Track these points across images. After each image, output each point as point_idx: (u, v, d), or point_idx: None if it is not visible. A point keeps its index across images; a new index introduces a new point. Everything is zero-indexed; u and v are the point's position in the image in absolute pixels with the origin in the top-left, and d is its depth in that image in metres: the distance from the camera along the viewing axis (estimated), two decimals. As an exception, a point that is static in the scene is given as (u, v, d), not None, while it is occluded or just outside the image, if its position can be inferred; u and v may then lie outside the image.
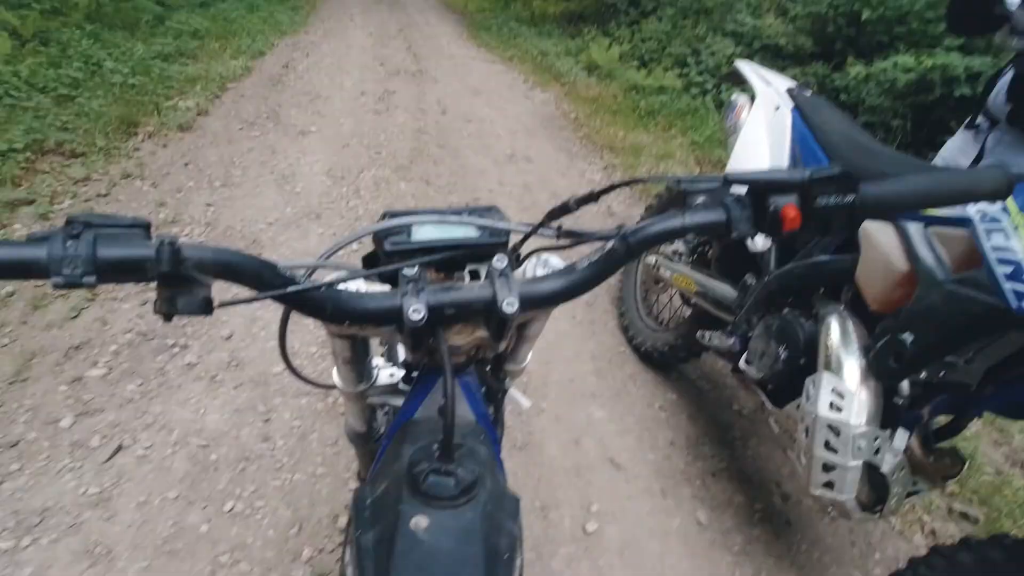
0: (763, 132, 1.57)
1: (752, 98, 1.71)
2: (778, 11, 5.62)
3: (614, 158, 4.14)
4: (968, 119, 1.67)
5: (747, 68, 1.81)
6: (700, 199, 0.50)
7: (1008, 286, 0.88)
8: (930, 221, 1.07)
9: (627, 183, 0.56)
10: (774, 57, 5.29)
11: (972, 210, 0.96)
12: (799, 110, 1.51)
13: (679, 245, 1.98)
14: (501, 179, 3.62)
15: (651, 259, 2.07)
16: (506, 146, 4.13)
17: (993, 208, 0.94)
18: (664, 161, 4.14)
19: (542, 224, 0.58)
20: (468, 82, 5.63)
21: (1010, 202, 0.92)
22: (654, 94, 5.42)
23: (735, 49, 5.49)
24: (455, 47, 7.18)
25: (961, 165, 1.65)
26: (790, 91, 1.60)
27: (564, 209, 0.58)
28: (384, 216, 0.59)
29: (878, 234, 1.16)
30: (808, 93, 1.60)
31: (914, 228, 1.09)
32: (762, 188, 0.48)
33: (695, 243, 1.95)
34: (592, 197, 0.56)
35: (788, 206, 0.47)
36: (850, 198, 0.48)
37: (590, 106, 5.19)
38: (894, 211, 0.52)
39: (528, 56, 6.81)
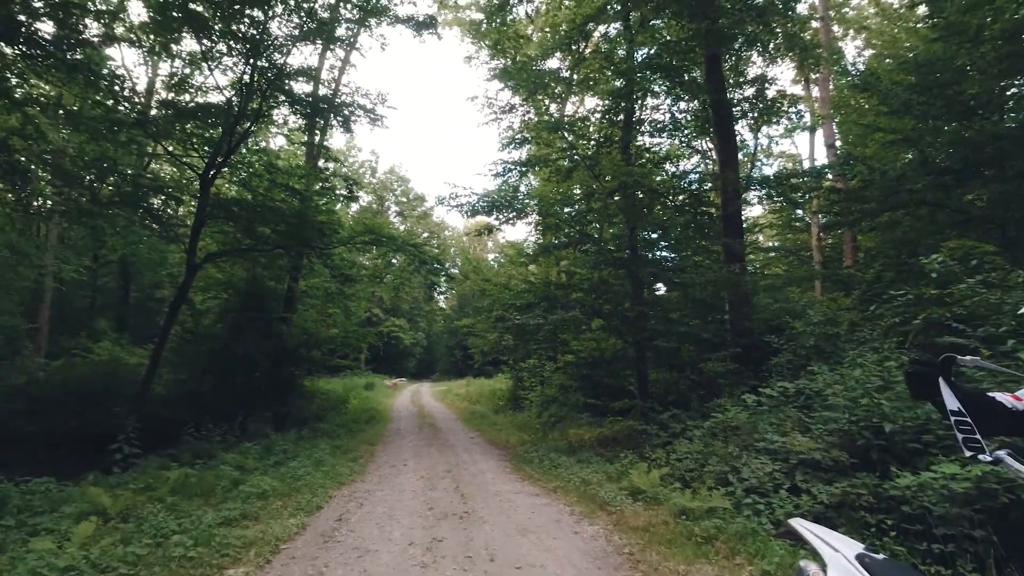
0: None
1: (823, 566, 1.65)
2: (801, 428, 5.97)
3: (683, 602, 3.72)
4: None
5: (804, 529, 1.81)
6: None
7: None
8: None
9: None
10: (815, 470, 5.33)
11: None
12: (879, 583, 1.43)
13: None
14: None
15: None
16: (561, 596, 3.81)
17: None
18: (740, 601, 3.69)
19: None
20: (515, 520, 5.64)
21: None
22: (705, 517, 5.28)
23: (773, 466, 5.60)
24: (501, 482, 7.50)
25: None
26: (861, 557, 1.56)
27: None
28: None
29: None
30: (880, 557, 1.55)
31: None
32: None
33: None
34: None
35: None
36: None
37: (642, 536, 5.00)
38: None
39: (571, 486, 7.00)
